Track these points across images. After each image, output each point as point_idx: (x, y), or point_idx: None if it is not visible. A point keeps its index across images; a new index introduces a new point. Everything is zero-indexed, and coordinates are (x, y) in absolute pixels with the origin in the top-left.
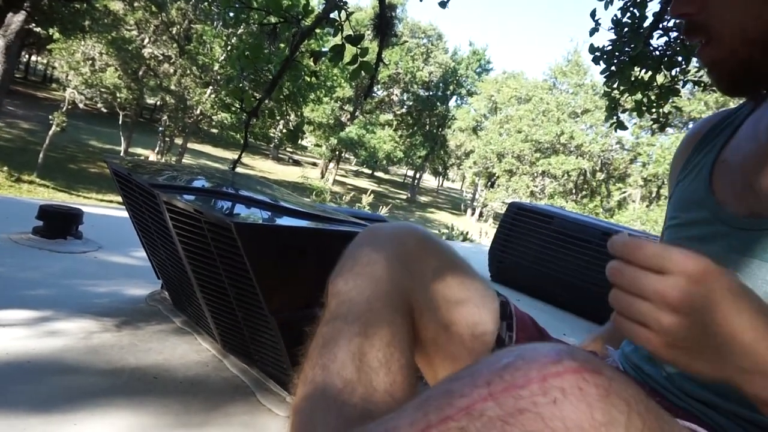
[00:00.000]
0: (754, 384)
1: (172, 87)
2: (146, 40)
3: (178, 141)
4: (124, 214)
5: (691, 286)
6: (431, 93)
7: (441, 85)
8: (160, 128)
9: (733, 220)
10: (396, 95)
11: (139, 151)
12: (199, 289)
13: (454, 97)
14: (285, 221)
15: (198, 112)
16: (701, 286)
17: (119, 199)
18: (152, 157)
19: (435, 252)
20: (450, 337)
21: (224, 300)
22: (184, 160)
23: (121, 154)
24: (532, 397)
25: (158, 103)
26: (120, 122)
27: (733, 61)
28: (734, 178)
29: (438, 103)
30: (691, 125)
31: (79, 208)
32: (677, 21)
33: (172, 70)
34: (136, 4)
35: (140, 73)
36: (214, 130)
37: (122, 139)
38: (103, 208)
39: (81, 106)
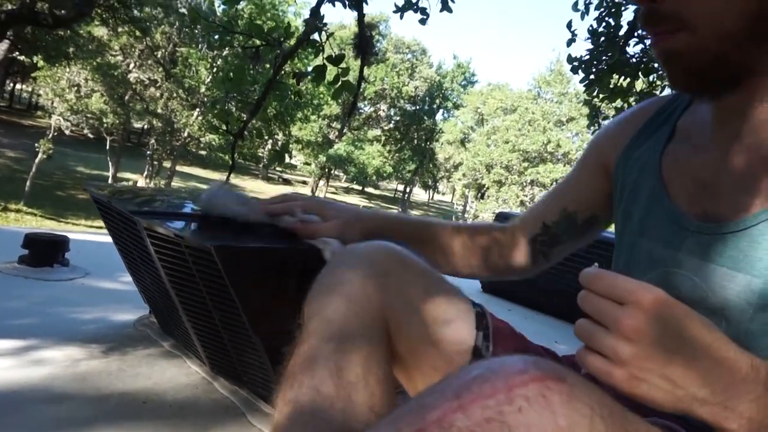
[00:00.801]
0: (715, 414)
1: (159, 110)
2: (132, 65)
3: (167, 164)
4: (110, 239)
5: (645, 315)
6: (418, 107)
7: (427, 99)
8: (148, 152)
9: (690, 224)
10: (383, 111)
11: (127, 175)
12: (184, 313)
13: (441, 111)
14: (267, 241)
15: (186, 134)
16: (656, 315)
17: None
18: (141, 181)
19: (408, 267)
20: (427, 349)
21: (209, 323)
22: (173, 183)
23: (110, 179)
24: (499, 406)
25: (145, 126)
26: (107, 147)
27: (705, 55)
28: (685, 181)
29: (425, 117)
30: None
31: (65, 236)
32: (637, 8)
33: (158, 94)
34: (120, 29)
35: (126, 97)
36: (203, 152)
37: (110, 164)
38: (91, 234)
39: (67, 132)
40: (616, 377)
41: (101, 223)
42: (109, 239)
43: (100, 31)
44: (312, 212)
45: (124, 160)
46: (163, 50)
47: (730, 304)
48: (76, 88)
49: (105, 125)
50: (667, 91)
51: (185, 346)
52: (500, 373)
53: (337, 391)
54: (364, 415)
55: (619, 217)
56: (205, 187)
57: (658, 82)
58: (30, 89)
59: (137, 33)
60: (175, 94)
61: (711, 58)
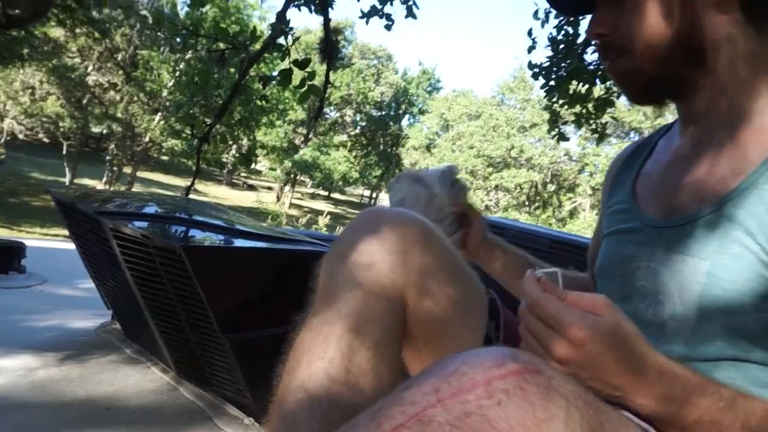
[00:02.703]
0: (622, 400)
1: (119, 114)
2: (90, 67)
3: (127, 170)
4: (71, 246)
5: (573, 349)
6: (384, 113)
7: (393, 104)
8: (108, 157)
9: (655, 222)
10: (349, 116)
11: (85, 181)
12: (150, 315)
13: (407, 116)
14: (233, 242)
15: (147, 139)
16: (582, 349)
17: (65, 232)
18: (100, 187)
19: (436, 246)
20: (443, 336)
21: (176, 325)
22: (134, 189)
23: (66, 185)
24: (478, 400)
25: (104, 131)
26: (64, 153)
27: (643, 74)
28: (654, 184)
29: (391, 123)
30: (632, 135)
31: (21, 242)
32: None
33: (118, 98)
34: (78, 30)
35: (84, 101)
36: (165, 158)
37: (67, 170)
38: (49, 242)
39: (21, 136)
40: None
41: (58, 231)
42: (68, 246)
43: (57, 32)
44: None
45: (82, 166)
46: (124, 53)
47: (683, 286)
48: (30, 90)
49: (61, 129)
50: (624, 99)
51: (150, 351)
52: (478, 366)
53: (347, 378)
54: (370, 405)
55: (604, 234)
56: (168, 193)
57: (614, 89)
58: None
59: (96, 35)
60: (135, 98)
61: (647, 76)
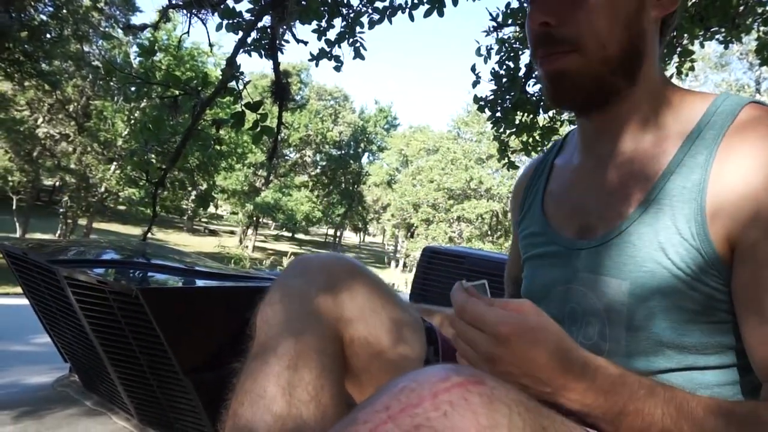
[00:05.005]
0: (550, 397)
1: (72, 166)
2: (40, 120)
3: (83, 222)
4: (23, 301)
5: (500, 346)
6: (343, 152)
7: (352, 143)
8: (61, 210)
9: (571, 243)
10: (309, 156)
11: (38, 236)
12: (109, 363)
13: (366, 154)
14: (191, 282)
15: (103, 189)
16: (507, 344)
17: (16, 289)
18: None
19: (364, 282)
20: (381, 364)
21: (137, 371)
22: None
23: (17, 239)
24: (426, 413)
25: (57, 183)
26: (14, 207)
27: (588, 75)
28: (563, 204)
29: (351, 161)
30: None
31: None
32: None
33: (71, 149)
34: (26, 83)
35: (35, 153)
36: (122, 207)
37: (17, 225)
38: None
39: None
40: (474, 365)
41: (9, 289)
42: (19, 302)
43: (4, 86)
44: None
45: (34, 221)
46: (76, 104)
47: (609, 307)
48: None
49: (10, 184)
50: (567, 127)
51: (111, 401)
52: (425, 382)
53: (289, 410)
54: None
55: (525, 259)
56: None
57: (558, 117)
58: None
59: (46, 87)
60: (89, 149)
61: (592, 78)
